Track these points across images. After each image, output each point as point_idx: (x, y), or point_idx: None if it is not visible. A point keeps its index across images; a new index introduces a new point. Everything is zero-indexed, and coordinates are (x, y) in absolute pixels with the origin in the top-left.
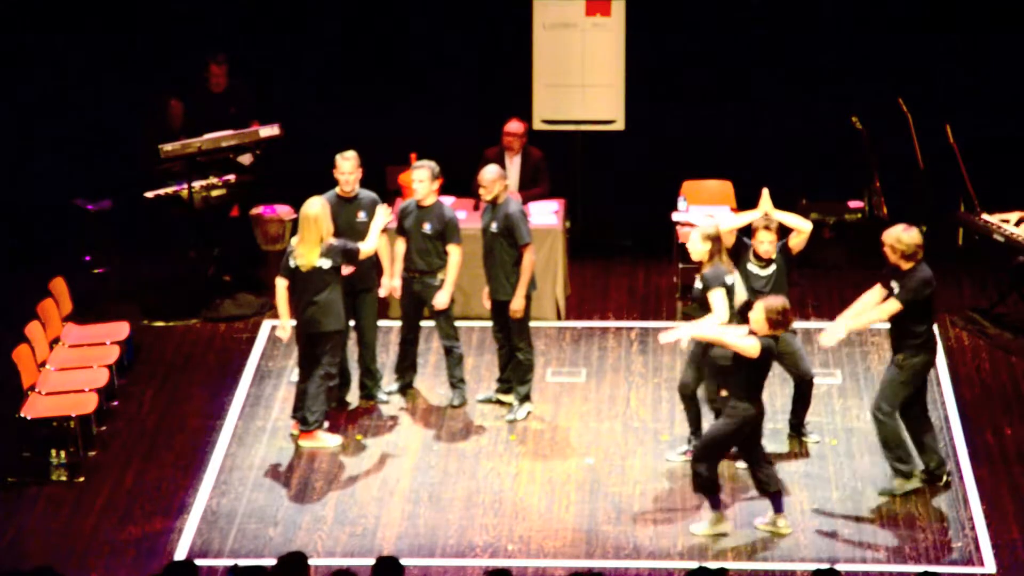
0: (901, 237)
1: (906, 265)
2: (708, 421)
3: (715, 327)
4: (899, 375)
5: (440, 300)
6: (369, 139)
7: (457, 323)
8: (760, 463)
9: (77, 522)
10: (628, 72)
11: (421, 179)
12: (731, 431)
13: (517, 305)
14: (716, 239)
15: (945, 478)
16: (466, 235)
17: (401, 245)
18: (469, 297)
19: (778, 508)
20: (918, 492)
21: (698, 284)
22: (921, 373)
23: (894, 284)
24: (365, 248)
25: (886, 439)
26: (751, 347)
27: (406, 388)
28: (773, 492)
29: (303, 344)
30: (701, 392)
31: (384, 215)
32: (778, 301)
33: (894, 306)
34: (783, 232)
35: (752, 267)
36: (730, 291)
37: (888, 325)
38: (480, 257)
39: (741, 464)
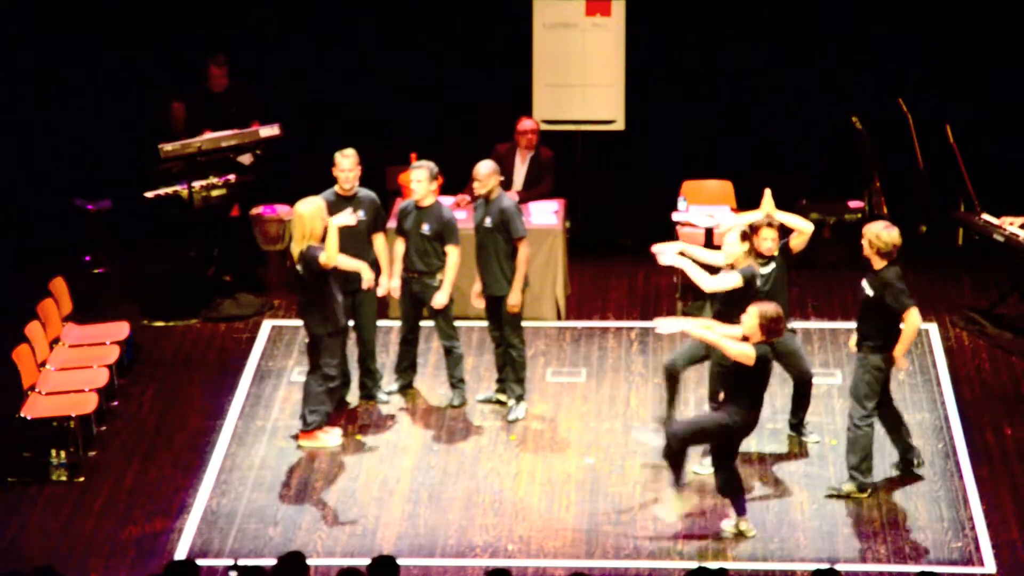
0: (881, 234)
1: (879, 263)
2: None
3: (713, 330)
4: (867, 375)
5: (438, 300)
6: (369, 139)
7: (456, 323)
8: (727, 468)
9: (77, 522)
10: (628, 72)
11: (419, 179)
12: (718, 430)
13: (515, 300)
14: (750, 238)
15: (917, 462)
16: (466, 234)
17: (400, 245)
18: (467, 296)
19: (740, 511)
20: (918, 492)
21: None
22: (887, 369)
23: (865, 284)
24: (322, 259)
25: (855, 447)
26: (746, 354)
27: (406, 388)
28: (734, 495)
29: (307, 345)
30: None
31: (340, 222)
32: (771, 308)
33: (915, 315)
34: (784, 232)
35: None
36: (752, 282)
37: (854, 323)
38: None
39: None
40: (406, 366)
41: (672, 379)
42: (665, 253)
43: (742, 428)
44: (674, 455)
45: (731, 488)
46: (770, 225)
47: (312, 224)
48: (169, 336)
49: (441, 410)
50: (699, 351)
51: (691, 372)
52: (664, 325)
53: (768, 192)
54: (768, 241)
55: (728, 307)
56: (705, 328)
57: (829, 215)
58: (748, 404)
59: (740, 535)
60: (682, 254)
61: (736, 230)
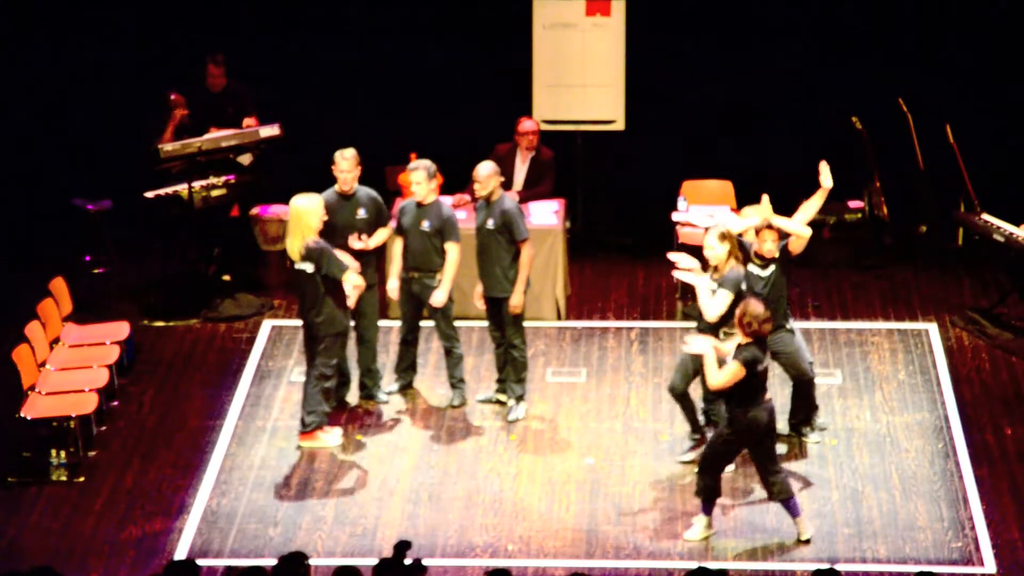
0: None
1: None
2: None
3: (710, 349)
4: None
5: (437, 299)
6: (369, 139)
7: (456, 323)
8: (770, 470)
9: (77, 522)
10: (628, 72)
11: (418, 180)
12: (733, 441)
13: (517, 301)
14: (731, 237)
15: None
16: (466, 234)
17: (399, 245)
18: (468, 297)
19: (794, 513)
20: (918, 492)
21: (712, 281)
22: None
23: (764, 271)
24: (348, 280)
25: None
26: (733, 373)
27: (406, 388)
28: (785, 499)
29: (304, 343)
30: (694, 390)
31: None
32: (758, 309)
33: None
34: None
35: (752, 268)
36: (739, 296)
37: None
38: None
39: (729, 468)
40: (406, 366)
41: (681, 399)
42: (682, 262)
43: (744, 431)
44: (705, 489)
45: (709, 494)
46: (770, 227)
47: (310, 219)
48: (169, 336)
49: (441, 410)
50: (691, 365)
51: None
52: (694, 344)
53: (766, 197)
54: (768, 243)
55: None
56: (703, 345)
57: (829, 215)
58: (741, 405)
59: (705, 539)
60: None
61: (714, 232)
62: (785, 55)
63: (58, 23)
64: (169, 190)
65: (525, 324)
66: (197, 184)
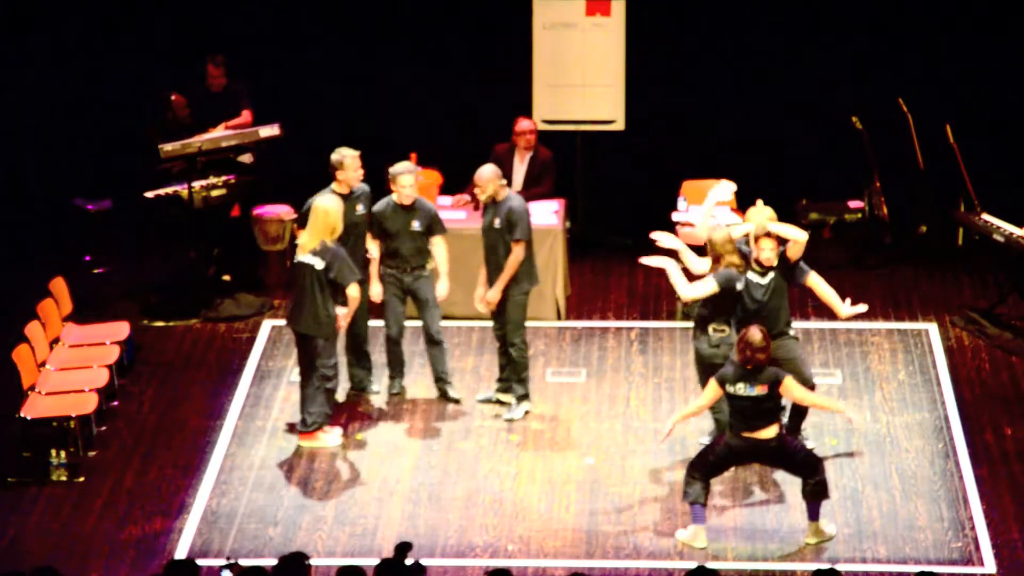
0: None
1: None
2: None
3: (670, 265)
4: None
5: (441, 291)
6: (369, 139)
7: (456, 323)
8: (804, 474)
9: (77, 522)
10: (628, 72)
11: (411, 183)
12: (719, 455)
13: (492, 296)
14: (719, 244)
15: None
16: (467, 234)
17: (376, 250)
18: (469, 296)
19: (812, 516)
20: (918, 492)
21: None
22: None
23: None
24: (350, 292)
25: None
26: (708, 400)
27: (401, 387)
28: (811, 501)
29: (297, 344)
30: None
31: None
32: (756, 337)
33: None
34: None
35: (751, 275)
36: (738, 296)
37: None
38: (479, 257)
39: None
40: (397, 364)
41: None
42: (663, 240)
43: (733, 448)
44: (688, 494)
45: (694, 498)
46: (768, 235)
47: (332, 220)
48: (169, 336)
49: (441, 410)
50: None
51: (690, 371)
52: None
53: (760, 203)
54: (767, 251)
55: (710, 311)
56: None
57: (829, 215)
58: (729, 423)
59: (692, 547)
60: (673, 253)
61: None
62: (784, 55)
63: (58, 23)
64: (169, 190)
65: (525, 324)
66: (197, 184)
